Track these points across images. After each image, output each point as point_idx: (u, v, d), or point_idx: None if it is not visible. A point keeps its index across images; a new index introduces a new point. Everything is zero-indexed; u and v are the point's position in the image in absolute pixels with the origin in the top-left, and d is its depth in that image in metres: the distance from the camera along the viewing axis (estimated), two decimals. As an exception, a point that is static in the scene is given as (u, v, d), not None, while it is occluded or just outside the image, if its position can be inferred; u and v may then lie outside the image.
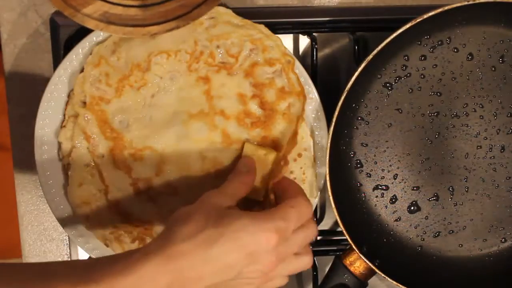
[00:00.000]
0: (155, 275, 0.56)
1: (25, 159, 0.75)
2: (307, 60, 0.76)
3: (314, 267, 0.79)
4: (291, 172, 0.73)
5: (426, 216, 0.77)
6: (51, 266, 0.60)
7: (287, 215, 0.61)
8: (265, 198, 0.71)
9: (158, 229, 0.73)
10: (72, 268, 0.59)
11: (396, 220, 0.77)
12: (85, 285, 0.55)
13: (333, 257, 0.75)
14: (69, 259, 0.79)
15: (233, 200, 0.64)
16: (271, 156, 0.69)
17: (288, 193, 0.66)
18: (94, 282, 0.55)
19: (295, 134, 0.72)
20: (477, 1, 0.65)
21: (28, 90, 0.75)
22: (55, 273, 0.57)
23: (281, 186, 0.69)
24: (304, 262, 0.64)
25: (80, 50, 0.70)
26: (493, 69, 0.73)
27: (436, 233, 0.78)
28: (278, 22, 0.75)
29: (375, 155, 0.76)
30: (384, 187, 0.76)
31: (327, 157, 0.69)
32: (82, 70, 0.70)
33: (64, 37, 0.73)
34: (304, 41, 0.78)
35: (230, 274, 0.59)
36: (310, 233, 0.64)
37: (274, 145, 0.72)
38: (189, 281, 0.57)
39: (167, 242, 0.58)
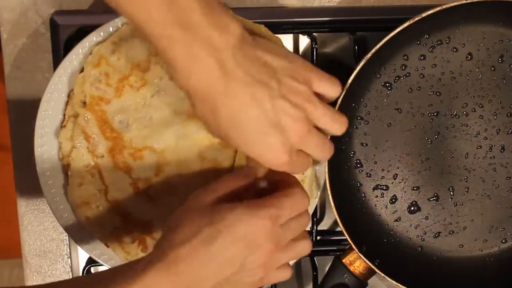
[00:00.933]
0: (159, 282, 0.56)
1: (25, 159, 0.76)
2: (307, 60, 0.76)
3: (314, 267, 0.79)
4: (291, 172, 0.73)
5: (426, 216, 0.77)
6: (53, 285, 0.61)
7: (280, 204, 0.61)
8: None
9: (158, 229, 0.73)
10: (74, 285, 0.60)
11: (396, 220, 0.77)
12: None
13: (333, 257, 0.75)
14: (69, 260, 0.79)
15: (219, 193, 0.63)
16: None
17: (284, 183, 0.65)
18: None
19: None
20: (476, 0, 0.65)
21: (28, 90, 0.75)
22: None
23: (278, 176, 0.68)
24: (303, 246, 0.64)
25: (80, 50, 0.70)
26: (492, 68, 0.73)
27: (436, 234, 0.77)
28: (278, 22, 0.76)
29: (375, 155, 0.76)
30: (384, 187, 0.76)
31: (327, 157, 0.69)
32: (82, 70, 0.70)
33: (64, 37, 0.73)
34: (304, 41, 0.78)
35: (233, 269, 0.58)
36: (303, 220, 0.63)
37: None
38: (194, 283, 0.58)
39: (166, 249, 0.58)
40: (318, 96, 0.63)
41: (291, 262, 0.71)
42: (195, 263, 0.57)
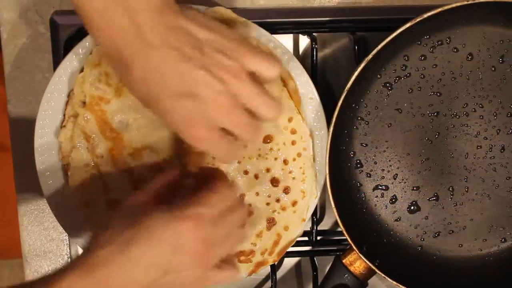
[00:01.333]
0: (75, 286, 0.54)
1: (25, 159, 0.75)
2: (307, 60, 0.76)
3: (314, 267, 0.79)
4: (290, 172, 0.73)
5: (426, 216, 0.77)
6: None
7: (208, 201, 0.59)
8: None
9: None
10: None
11: (396, 220, 0.77)
12: None
13: (333, 257, 0.75)
14: (69, 260, 0.79)
15: (152, 194, 0.61)
16: None
17: (210, 177, 0.64)
18: None
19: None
20: (477, 1, 0.65)
21: (28, 90, 0.75)
22: None
23: (204, 172, 0.67)
24: (238, 237, 0.62)
25: (80, 50, 0.70)
26: (493, 69, 0.73)
27: (436, 233, 0.78)
28: (278, 22, 0.76)
29: (375, 155, 0.76)
30: (384, 187, 0.76)
31: (327, 157, 0.69)
32: (82, 70, 0.70)
33: (64, 37, 0.73)
34: (304, 41, 0.78)
35: (158, 272, 0.56)
36: (239, 214, 0.62)
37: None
38: (118, 287, 0.55)
39: (87, 252, 0.56)
40: (253, 76, 0.59)
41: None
42: (114, 267, 0.55)
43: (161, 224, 0.56)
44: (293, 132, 0.73)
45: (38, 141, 0.71)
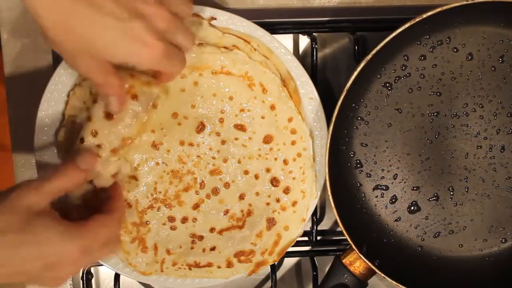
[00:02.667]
0: None
1: (25, 159, 0.75)
2: (307, 60, 0.76)
3: (314, 267, 0.79)
4: (290, 172, 0.73)
5: (426, 216, 0.77)
6: None
7: (97, 235, 0.61)
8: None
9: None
10: None
11: (396, 220, 0.77)
12: None
13: (333, 257, 0.75)
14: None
15: (49, 197, 0.60)
16: None
17: (108, 203, 0.66)
18: None
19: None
20: (476, 1, 0.65)
21: (28, 90, 0.75)
22: None
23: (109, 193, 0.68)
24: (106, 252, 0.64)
25: (80, 50, 0.70)
26: (493, 69, 0.73)
27: (436, 233, 0.77)
28: (278, 22, 0.76)
29: (375, 155, 0.76)
30: (384, 187, 0.76)
31: (327, 157, 0.69)
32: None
33: (64, 37, 0.73)
34: (304, 41, 0.78)
35: (23, 279, 0.58)
36: (112, 248, 0.64)
37: None
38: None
39: None
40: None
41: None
42: None
43: (51, 244, 0.57)
44: (293, 132, 0.73)
45: (38, 141, 0.71)
